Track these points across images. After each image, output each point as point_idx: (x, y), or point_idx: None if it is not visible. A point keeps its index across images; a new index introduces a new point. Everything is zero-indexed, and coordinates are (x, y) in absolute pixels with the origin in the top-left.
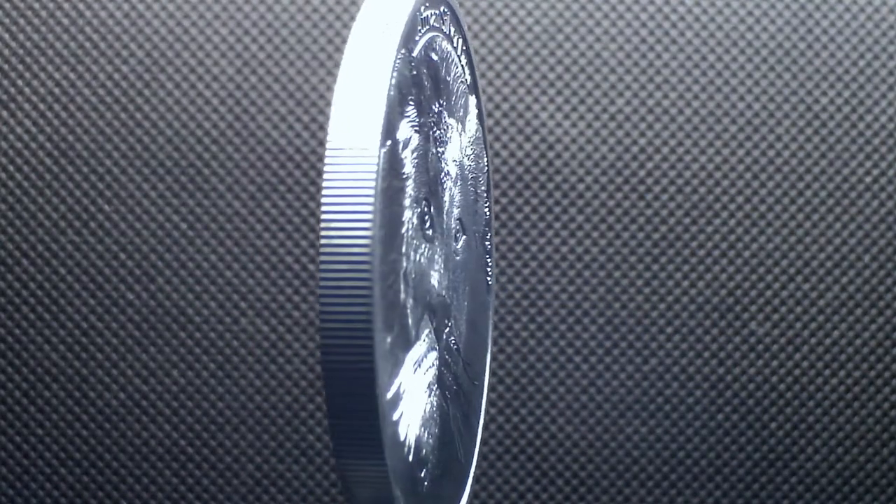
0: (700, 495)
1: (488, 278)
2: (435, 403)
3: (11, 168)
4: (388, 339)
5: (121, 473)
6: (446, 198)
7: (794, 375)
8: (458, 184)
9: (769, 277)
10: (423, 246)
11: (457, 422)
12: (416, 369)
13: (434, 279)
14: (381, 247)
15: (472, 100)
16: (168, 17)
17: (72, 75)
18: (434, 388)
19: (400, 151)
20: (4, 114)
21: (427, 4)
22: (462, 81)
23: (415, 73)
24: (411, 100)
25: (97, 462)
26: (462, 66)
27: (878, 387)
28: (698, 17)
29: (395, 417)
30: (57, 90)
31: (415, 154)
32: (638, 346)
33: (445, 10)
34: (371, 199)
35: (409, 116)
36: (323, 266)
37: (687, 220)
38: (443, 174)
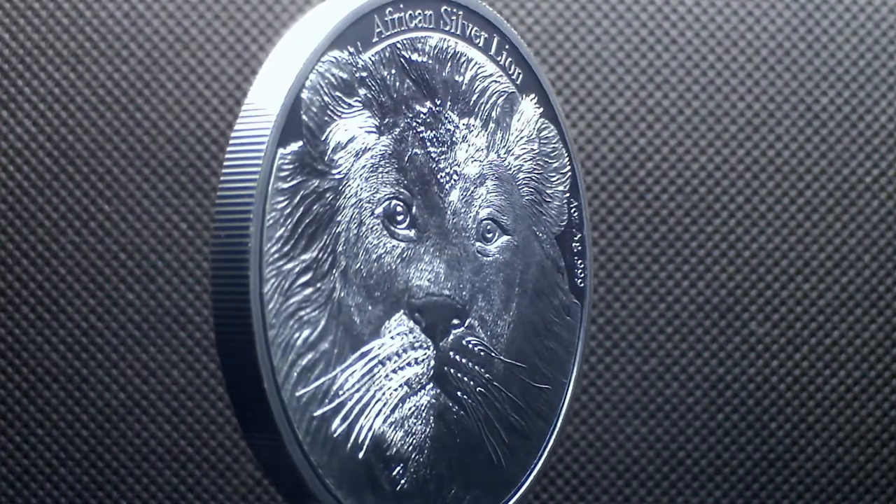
0: (700, 495)
1: (577, 280)
2: (425, 402)
3: (11, 168)
4: (302, 336)
5: (121, 473)
6: (453, 197)
7: (794, 375)
8: (489, 184)
9: (769, 277)
10: (390, 244)
11: (485, 423)
12: (376, 367)
13: (421, 279)
14: (283, 245)
15: (524, 99)
16: (168, 17)
17: (72, 75)
18: (426, 387)
19: (329, 152)
20: (4, 114)
21: (402, 6)
22: (495, 81)
23: (363, 74)
24: (357, 101)
25: (97, 462)
26: (500, 65)
27: (878, 387)
28: (698, 17)
29: (317, 413)
30: (57, 90)
31: (368, 154)
32: (638, 346)
33: (451, 9)
34: (251, 198)
35: (351, 117)
36: (213, 261)
37: (687, 220)
38: (442, 174)
